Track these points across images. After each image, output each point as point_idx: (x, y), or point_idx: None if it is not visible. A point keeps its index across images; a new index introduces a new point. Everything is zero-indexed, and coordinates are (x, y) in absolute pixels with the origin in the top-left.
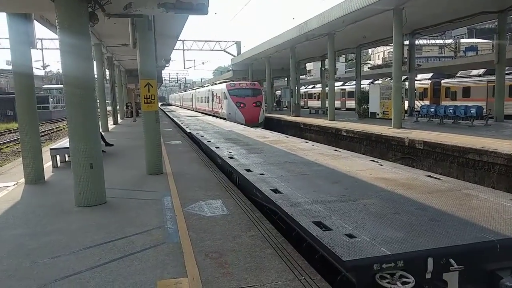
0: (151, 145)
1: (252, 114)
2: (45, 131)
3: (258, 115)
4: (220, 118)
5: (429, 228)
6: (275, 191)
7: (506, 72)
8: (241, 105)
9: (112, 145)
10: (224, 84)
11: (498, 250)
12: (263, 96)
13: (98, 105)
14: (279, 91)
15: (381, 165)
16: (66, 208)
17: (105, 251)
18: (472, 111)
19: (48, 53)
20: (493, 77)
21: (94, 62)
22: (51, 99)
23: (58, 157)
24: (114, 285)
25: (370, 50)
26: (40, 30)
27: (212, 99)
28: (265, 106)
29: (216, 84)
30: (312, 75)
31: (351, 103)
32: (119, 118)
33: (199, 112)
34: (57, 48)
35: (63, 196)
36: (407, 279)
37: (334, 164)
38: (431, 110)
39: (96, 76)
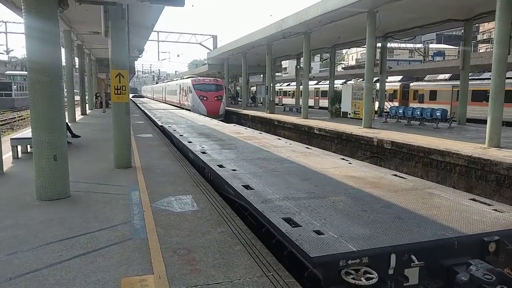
0: (120, 137)
1: (213, 107)
2: (6, 119)
3: (219, 108)
4: (186, 109)
5: (393, 226)
6: (247, 187)
7: (469, 77)
8: (204, 98)
9: (79, 136)
10: (190, 79)
11: (456, 247)
12: (224, 91)
13: (65, 94)
14: (255, 87)
15: (350, 163)
16: (26, 202)
17: (66, 247)
18: (437, 114)
19: (13, 38)
20: (457, 82)
21: (63, 49)
22: (15, 86)
23: (19, 148)
24: (75, 283)
25: (344, 51)
26: (4, 12)
27: (180, 92)
28: (240, 101)
29: (183, 78)
30: (287, 73)
31: (324, 102)
32: (87, 109)
33: (168, 103)
34: (23, 33)
35: (23, 189)
36: (371, 275)
37: (306, 162)
38: (400, 111)
39: (64, 64)
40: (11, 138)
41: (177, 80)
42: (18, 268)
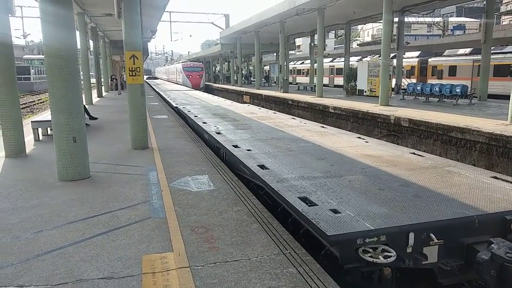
0: (136, 119)
1: (196, 82)
2: (26, 103)
3: (200, 83)
4: (179, 84)
5: (411, 204)
6: (262, 167)
7: (491, 51)
8: (190, 76)
9: (96, 118)
10: (181, 63)
11: (477, 225)
12: (204, 72)
13: (82, 77)
14: (268, 67)
15: (366, 142)
16: (48, 182)
17: (89, 226)
18: (457, 90)
19: (30, 22)
20: (478, 57)
21: (77, 32)
22: (33, 70)
23: (39, 130)
24: (98, 260)
25: (359, 27)
26: None
27: (175, 73)
28: (253, 81)
29: (179, 63)
30: (301, 51)
31: (340, 80)
32: (103, 91)
33: (170, 82)
34: (38, 17)
35: (46, 170)
36: (389, 253)
37: (321, 141)
38: (418, 88)
39: (79, 47)
40: (31, 121)
41: (176, 64)
42: (45, 245)
